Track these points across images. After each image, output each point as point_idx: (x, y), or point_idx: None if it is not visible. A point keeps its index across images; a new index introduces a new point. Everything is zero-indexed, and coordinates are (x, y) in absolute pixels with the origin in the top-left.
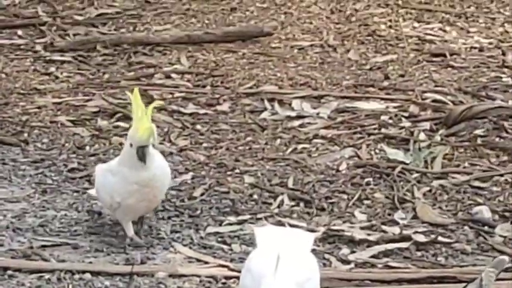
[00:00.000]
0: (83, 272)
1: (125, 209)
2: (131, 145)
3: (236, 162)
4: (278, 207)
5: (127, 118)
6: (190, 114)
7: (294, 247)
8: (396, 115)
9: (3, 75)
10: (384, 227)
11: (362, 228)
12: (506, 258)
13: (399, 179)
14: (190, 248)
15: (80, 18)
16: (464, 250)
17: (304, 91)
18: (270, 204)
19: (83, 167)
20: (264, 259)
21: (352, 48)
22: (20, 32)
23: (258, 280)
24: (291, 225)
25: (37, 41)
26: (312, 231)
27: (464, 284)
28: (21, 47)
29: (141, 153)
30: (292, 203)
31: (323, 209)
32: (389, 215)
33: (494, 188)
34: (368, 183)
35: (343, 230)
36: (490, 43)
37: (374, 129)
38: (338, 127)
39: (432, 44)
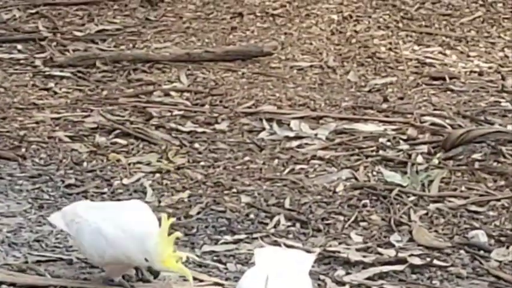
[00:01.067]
0: None
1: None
2: (146, 260)
3: (233, 181)
4: (274, 227)
5: (125, 135)
6: (189, 133)
7: (291, 268)
8: (394, 137)
9: (2, 90)
10: (379, 249)
11: (357, 250)
12: None
13: (396, 202)
14: (186, 266)
15: (80, 34)
16: (459, 274)
17: (303, 112)
18: (266, 224)
19: (81, 183)
20: (255, 279)
21: (351, 69)
22: (19, 47)
23: None
24: (287, 246)
25: (37, 55)
26: (308, 251)
27: None
28: (21, 61)
29: (155, 273)
30: (289, 223)
31: (319, 230)
32: (385, 237)
33: (491, 213)
34: (364, 205)
35: (339, 252)
36: (490, 67)
37: (372, 151)
38: (336, 148)
39: (431, 67)
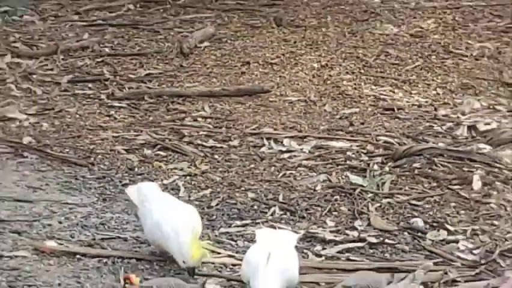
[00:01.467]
0: (131, 258)
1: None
2: (184, 262)
3: (242, 182)
4: (271, 215)
5: (165, 148)
6: (210, 147)
7: (282, 244)
8: (357, 151)
9: (78, 116)
10: (346, 231)
11: (331, 231)
12: (430, 263)
13: (358, 197)
14: (208, 243)
15: (133, 76)
16: (403, 249)
17: (292, 133)
18: (266, 213)
19: (133, 183)
20: (259, 253)
21: (327, 103)
22: (90, 85)
23: (254, 268)
24: (280, 228)
25: (102, 92)
26: (296, 232)
27: (404, 274)
28: (90, 96)
29: (191, 271)
30: (281, 212)
31: (303, 217)
32: (350, 222)
33: (426, 205)
34: (336, 200)
35: (317, 233)
36: (426, 101)
37: (342, 161)
38: (316, 159)
39: (384, 101)
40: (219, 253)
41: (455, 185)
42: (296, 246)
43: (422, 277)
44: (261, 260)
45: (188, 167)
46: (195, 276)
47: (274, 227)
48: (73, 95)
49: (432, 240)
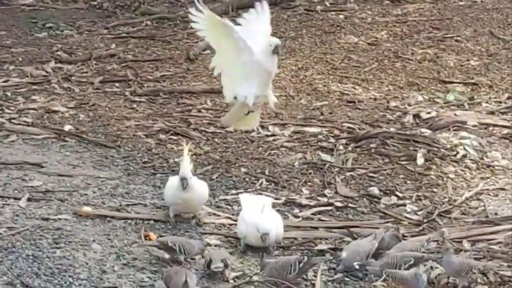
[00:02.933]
0: (149, 219)
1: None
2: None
3: (237, 159)
4: (260, 185)
5: (176, 134)
6: (211, 132)
7: (264, 201)
8: (327, 135)
9: (107, 109)
10: (318, 198)
11: (306, 198)
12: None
13: (328, 171)
14: (209, 207)
15: (150, 77)
16: (363, 211)
17: (275, 121)
18: (255, 183)
19: (151, 161)
20: (251, 212)
21: (303, 97)
22: (117, 84)
23: (249, 223)
24: (266, 196)
25: (126, 89)
26: (277, 199)
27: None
28: (117, 93)
29: (184, 183)
30: (267, 183)
31: (284, 187)
32: (321, 191)
33: (381, 177)
34: (310, 173)
35: (295, 199)
36: (380, 96)
37: (314, 143)
38: (294, 141)
39: (347, 95)
40: (218, 215)
41: (403, 160)
42: (278, 210)
43: (381, 235)
44: (256, 213)
45: (194, 148)
46: (200, 234)
47: (261, 195)
48: (104, 92)
49: (386, 204)
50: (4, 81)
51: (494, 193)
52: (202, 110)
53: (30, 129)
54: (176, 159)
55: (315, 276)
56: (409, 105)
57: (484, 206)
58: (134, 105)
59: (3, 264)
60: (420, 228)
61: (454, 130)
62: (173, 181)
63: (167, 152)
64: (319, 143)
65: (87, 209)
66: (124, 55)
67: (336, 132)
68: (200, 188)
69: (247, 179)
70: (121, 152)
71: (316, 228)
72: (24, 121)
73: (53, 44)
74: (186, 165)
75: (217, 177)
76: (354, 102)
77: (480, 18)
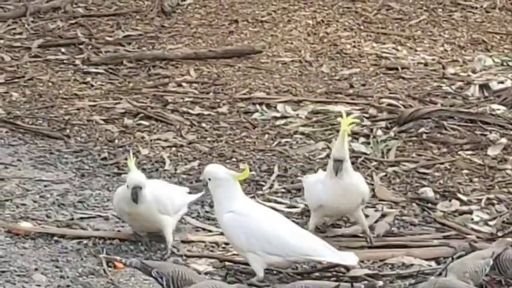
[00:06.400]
0: (113, 238)
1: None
2: (127, 186)
3: (233, 152)
4: (269, 188)
5: (148, 117)
6: (197, 115)
7: None
8: (359, 116)
9: (50, 84)
10: None
11: None
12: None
13: (361, 166)
14: (197, 219)
15: (110, 39)
16: (412, 222)
17: (286, 97)
18: (261, 186)
19: (113, 156)
20: None
21: (324, 63)
22: (63, 50)
23: None
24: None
25: (76, 56)
26: (292, 207)
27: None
28: (64, 61)
29: (135, 194)
30: (278, 185)
31: (300, 190)
32: None
33: (436, 173)
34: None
35: None
36: (433, 59)
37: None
38: (313, 125)
39: (387, 60)
40: (210, 231)
41: (467, 150)
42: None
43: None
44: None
45: (174, 138)
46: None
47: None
48: (45, 61)
49: (444, 212)
50: None
51: None
52: (184, 84)
53: None
54: (148, 153)
55: None
56: (474, 72)
57: None
58: (88, 79)
59: None
60: (493, 244)
61: None
62: (118, 194)
63: (135, 143)
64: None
65: (25, 225)
66: (72, 8)
67: (373, 111)
68: (161, 194)
69: (248, 180)
70: (71, 145)
71: (347, 246)
72: None
73: None
74: (137, 171)
75: None
76: (397, 69)
77: None
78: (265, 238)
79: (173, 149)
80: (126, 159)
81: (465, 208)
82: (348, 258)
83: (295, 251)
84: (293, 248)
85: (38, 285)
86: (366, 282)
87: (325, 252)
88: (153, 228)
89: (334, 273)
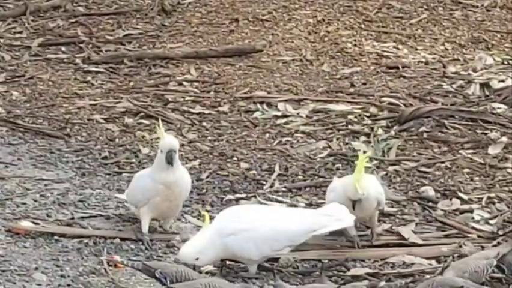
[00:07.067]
0: (114, 237)
1: (150, 206)
2: (161, 151)
3: (234, 151)
4: (270, 187)
5: (148, 116)
6: (198, 114)
7: None
8: (359, 115)
9: (50, 83)
10: None
11: None
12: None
13: None
14: (198, 219)
15: (110, 38)
16: (413, 220)
17: (287, 96)
18: (262, 185)
19: (114, 155)
20: None
21: (325, 62)
22: (63, 49)
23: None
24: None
25: (77, 55)
26: (293, 206)
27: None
28: (64, 60)
29: (169, 157)
30: (279, 184)
31: (301, 189)
32: None
33: (437, 172)
34: (337, 169)
35: (319, 205)
36: (434, 58)
37: (342, 125)
38: (314, 124)
39: (388, 58)
40: None
41: (467, 149)
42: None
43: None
44: None
45: (175, 137)
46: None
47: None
48: (45, 59)
49: (445, 211)
50: None
51: None
52: (184, 83)
53: None
54: (149, 153)
55: None
56: (474, 70)
57: None
58: (89, 78)
59: None
60: (494, 243)
61: None
62: (143, 175)
63: (136, 142)
64: (349, 126)
65: (26, 224)
66: (72, 7)
67: (373, 110)
68: (184, 171)
69: (249, 179)
70: (72, 144)
71: (349, 246)
72: None
73: None
74: (169, 136)
75: (207, 177)
76: (398, 67)
77: None
78: (272, 239)
79: None
80: (127, 158)
81: (466, 207)
82: (345, 217)
83: (302, 235)
84: (299, 233)
85: (39, 285)
86: (367, 282)
87: (326, 222)
88: (173, 211)
89: (335, 272)
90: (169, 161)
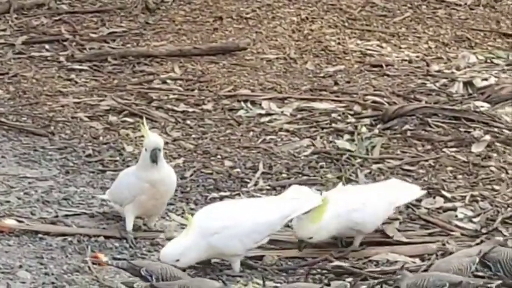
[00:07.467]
0: (98, 235)
1: (135, 204)
2: (145, 150)
3: (218, 149)
4: (254, 185)
5: (132, 114)
6: (182, 112)
7: None
8: (343, 113)
9: (34, 80)
10: None
11: None
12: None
13: (346, 163)
14: (182, 217)
15: (94, 35)
16: (397, 218)
17: (271, 94)
18: (246, 183)
19: (98, 153)
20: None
21: (309, 60)
22: (47, 46)
23: None
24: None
25: (61, 53)
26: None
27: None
28: (48, 58)
29: (154, 156)
30: (263, 183)
31: (285, 187)
32: None
33: (421, 171)
34: (321, 167)
35: None
36: (417, 56)
37: (326, 124)
38: (298, 122)
39: (371, 57)
40: None
41: (451, 147)
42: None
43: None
44: None
45: (159, 135)
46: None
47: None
48: (29, 57)
49: (428, 209)
50: None
51: None
52: (168, 81)
53: None
54: (133, 151)
55: None
56: (458, 69)
57: None
58: (73, 76)
59: None
60: (477, 241)
61: None
62: (128, 173)
63: (120, 140)
64: (333, 125)
65: (10, 222)
66: (56, 4)
67: (357, 108)
68: (169, 169)
69: (233, 177)
70: (56, 142)
71: (332, 243)
72: None
73: None
74: (154, 134)
75: (191, 175)
76: (381, 66)
77: None
78: (255, 232)
79: None
80: (111, 156)
81: (449, 205)
82: (312, 197)
83: (279, 222)
84: (277, 221)
85: (23, 282)
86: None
87: (297, 205)
88: (158, 209)
89: (319, 270)
90: (154, 159)
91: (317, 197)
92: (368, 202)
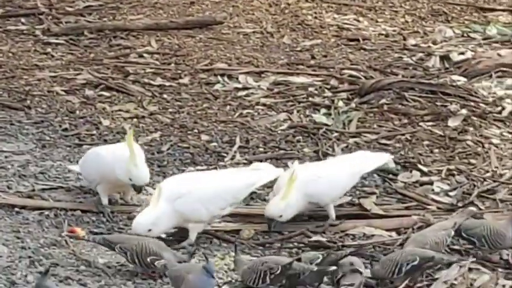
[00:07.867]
0: (75, 209)
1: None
2: (130, 179)
3: (195, 124)
4: (230, 159)
5: (109, 88)
6: (159, 86)
7: None
8: (320, 87)
9: (10, 54)
10: None
11: None
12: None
13: (322, 138)
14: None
15: (71, 9)
16: (373, 192)
17: (248, 68)
18: (223, 157)
19: (74, 127)
20: None
21: (285, 34)
22: (23, 20)
23: None
24: None
25: (37, 27)
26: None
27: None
28: (24, 32)
29: (138, 189)
30: (240, 157)
31: (262, 161)
32: None
33: (397, 145)
34: (298, 141)
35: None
36: (394, 30)
37: (303, 98)
38: (275, 96)
39: (348, 31)
40: None
41: (427, 121)
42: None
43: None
44: None
45: (135, 109)
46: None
47: None
48: (4, 31)
49: (405, 183)
50: None
51: None
52: (145, 55)
53: None
54: (109, 125)
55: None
56: (434, 43)
57: None
58: (49, 49)
59: None
60: (454, 215)
61: (498, 77)
62: (99, 153)
63: (96, 114)
64: (310, 99)
65: None
66: None
67: (334, 82)
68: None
69: (210, 151)
70: (32, 116)
71: (308, 219)
72: None
73: None
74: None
75: (168, 149)
76: (358, 40)
77: None
78: (218, 197)
79: (135, 120)
80: (88, 130)
81: (426, 179)
82: (273, 169)
83: (243, 190)
84: (240, 189)
85: (0, 256)
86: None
87: (260, 175)
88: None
89: (295, 244)
90: (138, 191)
91: (279, 170)
92: (323, 174)
